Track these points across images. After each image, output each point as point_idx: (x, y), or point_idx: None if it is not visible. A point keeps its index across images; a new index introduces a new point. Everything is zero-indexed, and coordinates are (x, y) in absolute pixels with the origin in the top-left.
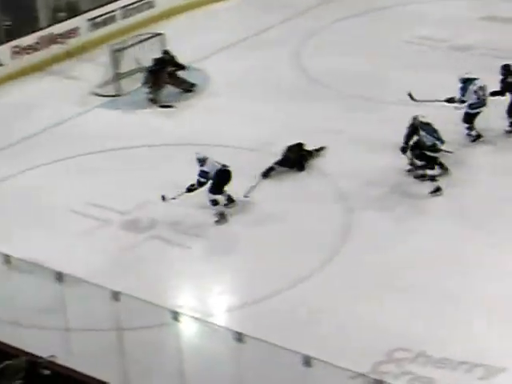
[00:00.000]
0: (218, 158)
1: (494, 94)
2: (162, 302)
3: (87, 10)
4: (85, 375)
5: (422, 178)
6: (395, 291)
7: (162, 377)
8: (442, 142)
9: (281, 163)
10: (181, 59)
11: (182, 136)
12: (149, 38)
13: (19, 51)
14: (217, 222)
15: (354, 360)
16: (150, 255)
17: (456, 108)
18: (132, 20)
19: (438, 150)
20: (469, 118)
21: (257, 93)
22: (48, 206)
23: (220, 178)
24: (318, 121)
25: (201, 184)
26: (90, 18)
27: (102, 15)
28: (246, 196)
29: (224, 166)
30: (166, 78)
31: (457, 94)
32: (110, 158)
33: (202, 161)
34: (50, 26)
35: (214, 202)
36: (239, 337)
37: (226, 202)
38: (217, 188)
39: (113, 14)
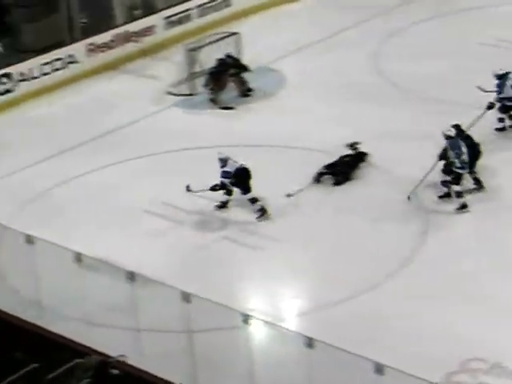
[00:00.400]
0: (288, 160)
1: None
2: (232, 305)
3: (163, 8)
4: (154, 376)
5: (447, 196)
6: (471, 300)
7: (231, 379)
8: (463, 163)
9: (329, 167)
10: (255, 59)
11: (256, 137)
12: (224, 38)
13: (94, 49)
14: (258, 218)
15: (426, 369)
16: (221, 256)
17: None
18: (208, 19)
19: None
20: (505, 109)
21: (331, 95)
22: (120, 205)
23: (240, 176)
24: (393, 124)
25: (223, 186)
26: (166, 16)
27: (177, 13)
28: (289, 195)
29: (241, 165)
30: (226, 79)
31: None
32: (183, 158)
33: (223, 161)
34: (125, 23)
35: (253, 200)
36: (309, 342)
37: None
38: (247, 187)
39: (189, 12)
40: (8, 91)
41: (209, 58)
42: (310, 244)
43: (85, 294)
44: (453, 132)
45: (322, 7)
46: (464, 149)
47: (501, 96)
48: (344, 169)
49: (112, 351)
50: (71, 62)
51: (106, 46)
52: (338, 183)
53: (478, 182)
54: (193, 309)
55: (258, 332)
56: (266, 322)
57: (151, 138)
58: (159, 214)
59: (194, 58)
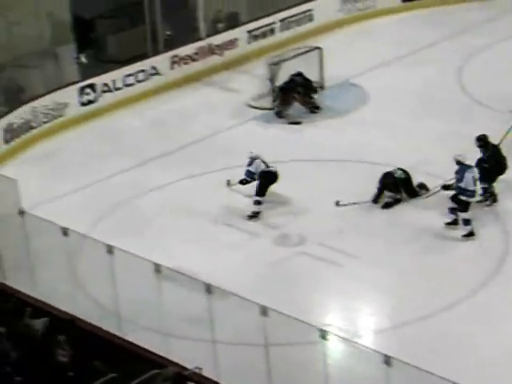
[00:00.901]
0: (367, 175)
1: None
2: (309, 320)
3: (247, 21)
4: None
5: (455, 223)
6: None
7: None
8: (471, 192)
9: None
10: (337, 74)
11: (342, 151)
12: (306, 52)
13: (177, 61)
14: (248, 217)
15: None
16: (299, 271)
17: None
18: (290, 33)
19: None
20: None
21: (415, 110)
22: (200, 217)
23: (264, 179)
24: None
25: (245, 182)
26: (249, 29)
27: (261, 27)
28: (338, 203)
29: (268, 166)
30: (292, 97)
31: None
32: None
33: (251, 160)
34: (208, 36)
35: (257, 202)
36: (387, 360)
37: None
38: (261, 189)
39: (272, 26)
40: (91, 102)
41: (290, 72)
42: (388, 261)
43: (163, 305)
44: (462, 157)
45: (409, 22)
46: (474, 175)
47: None
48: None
49: (188, 363)
50: (154, 74)
51: (189, 59)
52: (388, 205)
53: (492, 195)
54: (270, 322)
55: (334, 348)
56: (343, 338)
57: (232, 150)
58: (237, 226)
59: (276, 72)
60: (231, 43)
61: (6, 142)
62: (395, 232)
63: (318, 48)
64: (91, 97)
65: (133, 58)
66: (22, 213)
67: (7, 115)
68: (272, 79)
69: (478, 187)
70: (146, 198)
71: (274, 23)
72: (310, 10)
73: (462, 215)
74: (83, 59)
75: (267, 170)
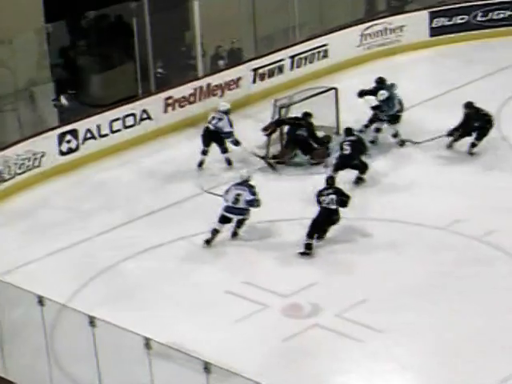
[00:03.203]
0: (391, 234)
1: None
2: None
3: (251, 58)
4: None
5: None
6: None
7: None
8: None
9: None
10: (354, 116)
11: (367, 210)
12: (320, 93)
13: (172, 103)
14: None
15: None
16: (313, 347)
17: None
18: (301, 71)
19: None
20: None
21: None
22: (199, 285)
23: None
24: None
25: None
26: (254, 67)
27: (267, 65)
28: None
29: (254, 198)
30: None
31: None
32: (270, 230)
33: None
34: (207, 75)
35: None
36: None
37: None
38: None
39: (281, 63)
40: (72, 150)
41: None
42: (415, 336)
43: None
44: None
45: (438, 59)
46: None
47: None
48: None
49: None
50: (145, 119)
51: (185, 101)
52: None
53: None
54: None
55: None
56: None
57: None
58: (242, 295)
59: (285, 115)
60: (233, 83)
61: None
62: (419, 305)
63: (334, 88)
64: (72, 145)
65: (120, 100)
66: None
67: None
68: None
69: None
70: (135, 261)
71: (282, 60)
72: (324, 45)
73: None
74: (63, 101)
75: (252, 199)
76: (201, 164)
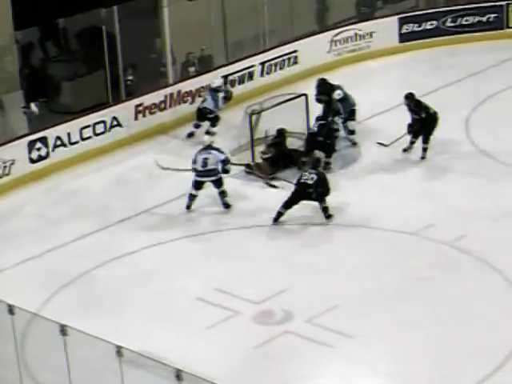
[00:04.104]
0: (361, 240)
1: None
2: None
3: (221, 65)
4: None
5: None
6: None
7: None
8: None
9: None
10: None
11: (339, 216)
12: (291, 100)
13: (142, 111)
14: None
15: None
16: (284, 353)
17: None
18: (272, 78)
19: None
20: None
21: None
22: (171, 292)
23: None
24: (487, 201)
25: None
26: (224, 74)
27: (238, 71)
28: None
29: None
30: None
31: None
32: (242, 237)
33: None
34: (178, 82)
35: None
36: None
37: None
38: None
39: (251, 70)
40: (43, 158)
41: (272, 122)
42: (386, 341)
43: None
44: None
45: (409, 65)
46: None
47: None
48: None
49: None
50: (115, 126)
51: (156, 108)
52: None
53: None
54: None
55: None
56: None
57: (203, 213)
58: (212, 302)
59: (256, 122)
60: (204, 90)
61: None
62: (392, 309)
63: (304, 95)
64: (42, 152)
65: (90, 107)
66: None
67: None
68: (250, 131)
69: None
70: (107, 269)
71: (253, 67)
72: (294, 52)
73: None
74: (34, 109)
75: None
76: (190, 135)
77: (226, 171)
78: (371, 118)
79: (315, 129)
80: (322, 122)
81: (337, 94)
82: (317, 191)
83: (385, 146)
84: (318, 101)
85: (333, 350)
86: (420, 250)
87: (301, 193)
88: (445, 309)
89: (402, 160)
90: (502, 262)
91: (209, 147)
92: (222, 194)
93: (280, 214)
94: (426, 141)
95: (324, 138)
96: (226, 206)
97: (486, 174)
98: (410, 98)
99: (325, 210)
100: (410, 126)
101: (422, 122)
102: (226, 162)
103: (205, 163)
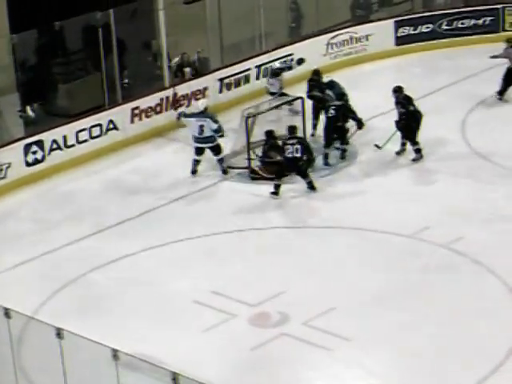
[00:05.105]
0: (357, 242)
1: None
2: None
3: (218, 68)
4: None
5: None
6: None
7: None
8: None
9: None
10: (320, 125)
11: (335, 218)
12: (287, 102)
13: (138, 114)
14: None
15: None
16: (281, 355)
17: None
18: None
19: None
20: None
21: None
22: (167, 294)
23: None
24: (483, 204)
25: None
26: (220, 77)
27: (234, 74)
28: None
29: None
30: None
31: None
32: (239, 240)
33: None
34: (174, 85)
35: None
36: None
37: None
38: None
39: (247, 73)
40: (38, 161)
41: (269, 126)
42: (383, 343)
43: None
44: None
45: (405, 68)
46: None
47: None
48: None
49: None
50: (111, 129)
51: (152, 111)
52: None
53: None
54: None
55: None
56: None
57: (203, 215)
58: (209, 305)
59: (252, 125)
60: (200, 93)
61: None
62: (389, 313)
63: (300, 98)
64: (38, 155)
65: (87, 110)
66: None
67: None
68: (247, 134)
69: None
70: (102, 272)
71: (249, 70)
72: (290, 55)
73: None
74: (29, 112)
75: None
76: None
77: (221, 137)
78: (367, 121)
79: (333, 112)
80: (337, 103)
81: (325, 77)
82: (305, 161)
83: (379, 148)
84: (311, 97)
85: (329, 353)
86: (417, 253)
87: (292, 166)
88: (442, 311)
89: (398, 162)
90: (498, 264)
91: (202, 113)
92: (221, 160)
93: (277, 185)
94: (413, 143)
95: (342, 122)
96: (225, 172)
97: (482, 176)
98: (398, 91)
99: (309, 183)
100: (396, 122)
101: (409, 115)
102: (218, 131)
103: (201, 130)
